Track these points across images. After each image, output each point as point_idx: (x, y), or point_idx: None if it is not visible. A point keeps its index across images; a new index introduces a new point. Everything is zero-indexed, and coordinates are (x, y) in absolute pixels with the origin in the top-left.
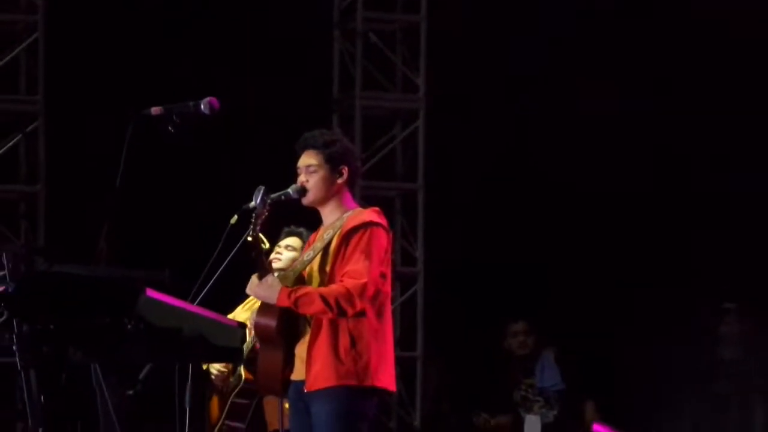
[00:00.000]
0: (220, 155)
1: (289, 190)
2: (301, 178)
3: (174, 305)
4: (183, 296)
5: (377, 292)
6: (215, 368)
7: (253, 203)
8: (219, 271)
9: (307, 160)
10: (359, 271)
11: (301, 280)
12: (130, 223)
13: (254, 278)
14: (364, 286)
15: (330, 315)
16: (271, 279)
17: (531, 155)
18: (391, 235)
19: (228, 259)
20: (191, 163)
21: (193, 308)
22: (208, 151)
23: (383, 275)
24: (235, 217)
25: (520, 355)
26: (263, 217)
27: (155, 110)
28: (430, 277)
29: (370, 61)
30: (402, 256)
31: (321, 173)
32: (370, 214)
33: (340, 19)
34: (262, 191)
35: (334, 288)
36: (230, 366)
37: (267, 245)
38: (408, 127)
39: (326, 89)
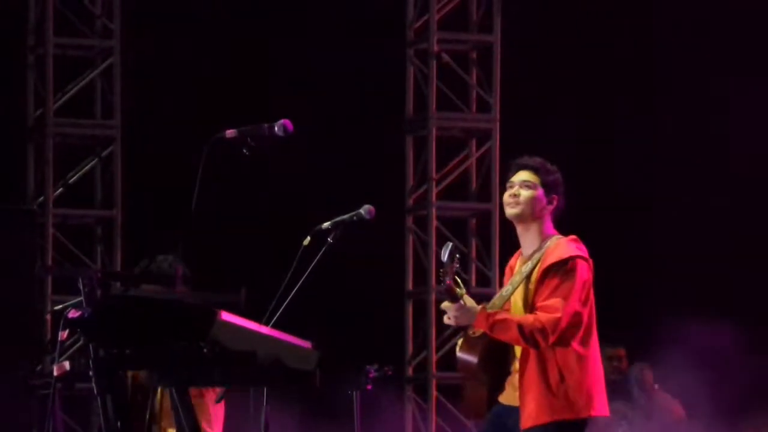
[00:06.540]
0: (294, 177)
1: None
2: (512, 191)
3: (248, 328)
4: (257, 318)
5: (571, 326)
6: None
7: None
8: (293, 293)
9: (525, 176)
10: (554, 306)
11: None
12: (205, 246)
13: (447, 304)
14: (558, 321)
15: (522, 344)
16: (468, 302)
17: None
18: (591, 263)
19: (301, 280)
20: (265, 185)
21: (268, 330)
22: (282, 173)
23: (584, 303)
24: (308, 238)
25: (612, 380)
26: (452, 272)
27: (230, 133)
28: None
29: (444, 82)
30: (477, 277)
31: (535, 192)
32: (569, 247)
33: (413, 40)
34: (450, 247)
35: (530, 319)
36: None
37: (463, 291)
38: (482, 147)
39: (400, 110)
